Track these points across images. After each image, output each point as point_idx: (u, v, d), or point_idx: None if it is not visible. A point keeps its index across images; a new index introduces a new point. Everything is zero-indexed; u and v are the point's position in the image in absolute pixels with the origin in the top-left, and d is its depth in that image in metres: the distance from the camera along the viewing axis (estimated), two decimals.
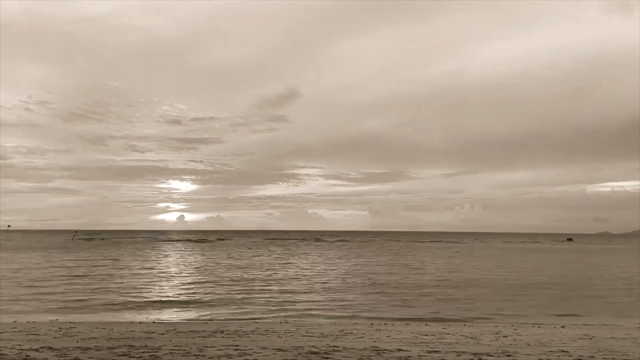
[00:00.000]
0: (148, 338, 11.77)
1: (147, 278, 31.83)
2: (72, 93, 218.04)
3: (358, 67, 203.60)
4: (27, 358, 9.17)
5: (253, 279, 31.14)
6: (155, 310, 19.66)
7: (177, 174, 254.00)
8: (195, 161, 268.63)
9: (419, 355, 9.86)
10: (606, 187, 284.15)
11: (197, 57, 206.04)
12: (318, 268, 40.43)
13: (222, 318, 17.84)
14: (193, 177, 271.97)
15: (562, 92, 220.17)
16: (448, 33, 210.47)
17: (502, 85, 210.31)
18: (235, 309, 20.16)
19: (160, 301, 22.10)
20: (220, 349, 10.19)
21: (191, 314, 18.93)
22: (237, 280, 30.35)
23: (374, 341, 11.64)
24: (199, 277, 32.35)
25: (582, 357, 9.95)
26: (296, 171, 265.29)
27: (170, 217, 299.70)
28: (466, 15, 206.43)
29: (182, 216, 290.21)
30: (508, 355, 9.99)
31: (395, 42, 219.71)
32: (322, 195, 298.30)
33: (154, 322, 16.25)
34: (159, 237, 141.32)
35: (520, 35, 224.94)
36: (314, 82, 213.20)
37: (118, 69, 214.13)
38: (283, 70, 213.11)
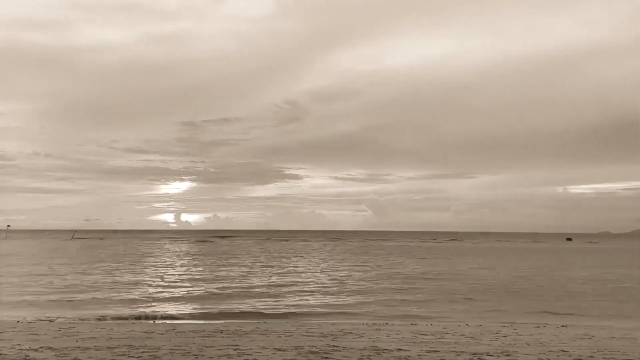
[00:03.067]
0: (148, 338, 11.76)
1: (147, 278, 31.83)
2: (75, 99, 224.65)
3: (343, 75, 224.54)
4: (27, 358, 9.16)
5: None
6: (155, 310, 19.66)
7: (178, 174, 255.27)
8: (196, 162, 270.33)
9: (419, 355, 9.86)
10: (594, 188, 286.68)
11: (188, 74, 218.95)
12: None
13: (222, 318, 17.85)
14: (194, 177, 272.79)
15: (526, 96, 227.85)
16: (414, 38, 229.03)
17: (468, 88, 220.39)
18: (230, 308, 20.20)
19: (160, 301, 22.11)
20: (220, 349, 10.18)
21: (191, 314, 18.93)
22: (231, 280, 30.39)
23: (373, 341, 11.64)
24: (199, 277, 32.36)
25: (581, 357, 9.96)
26: (295, 172, 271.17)
27: (170, 217, 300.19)
28: (432, 21, 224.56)
29: (182, 216, 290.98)
30: (508, 355, 10.00)
31: (370, 52, 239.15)
32: (320, 196, 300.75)
33: (154, 322, 16.26)
34: (158, 236, 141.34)
35: (483, 38, 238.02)
36: (306, 89, 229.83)
37: (117, 81, 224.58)
38: (279, 80, 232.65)
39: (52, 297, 22.72)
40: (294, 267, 41.23)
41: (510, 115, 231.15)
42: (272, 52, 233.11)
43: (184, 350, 10.07)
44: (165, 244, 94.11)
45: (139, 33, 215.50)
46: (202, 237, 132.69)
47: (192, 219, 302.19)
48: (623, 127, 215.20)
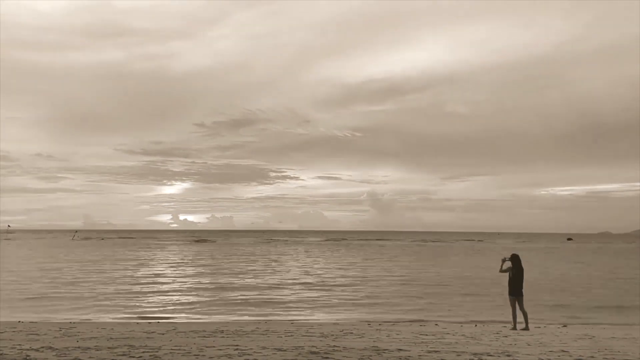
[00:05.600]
0: (148, 338, 11.75)
1: (147, 277, 31.85)
2: (78, 106, 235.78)
3: (335, 84, 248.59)
4: (27, 358, 9.15)
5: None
6: (156, 310, 19.67)
7: (179, 175, 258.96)
8: (197, 162, 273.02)
9: (419, 355, 9.85)
10: (573, 190, 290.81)
11: (186, 85, 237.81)
12: None
13: (223, 318, 17.87)
14: (194, 177, 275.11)
15: (505, 102, 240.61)
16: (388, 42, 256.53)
17: (450, 94, 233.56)
18: (235, 308, 20.21)
19: (161, 301, 22.13)
20: (220, 349, 10.17)
21: (191, 314, 18.94)
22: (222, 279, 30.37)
23: (374, 341, 11.63)
24: (200, 277, 32.37)
25: (582, 357, 9.94)
26: (294, 174, 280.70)
27: (170, 217, 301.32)
28: (414, 33, 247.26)
29: (182, 216, 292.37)
30: (508, 355, 9.98)
31: (359, 63, 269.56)
32: (319, 197, 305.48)
33: (155, 322, 16.25)
34: (159, 237, 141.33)
35: (462, 49, 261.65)
36: (303, 96, 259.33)
37: (119, 91, 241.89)
38: (277, 88, 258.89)
39: (53, 297, 22.73)
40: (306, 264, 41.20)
41: (492, 120, 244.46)
42: (270, 63, 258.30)
43: (185, 350, 10.06)
44: (166, 243, 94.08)
45: (140, 52, 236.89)
46: (202, 236, 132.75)
47: (193, 218, 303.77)
48: (598, 131, 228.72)
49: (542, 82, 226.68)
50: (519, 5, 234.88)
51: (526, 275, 15.48)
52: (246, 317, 18.00)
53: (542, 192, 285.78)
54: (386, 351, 10.23)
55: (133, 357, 9.37)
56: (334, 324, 15.96)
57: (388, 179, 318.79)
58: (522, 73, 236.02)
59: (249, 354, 9.67)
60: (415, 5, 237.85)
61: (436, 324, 16.11)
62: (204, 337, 12.00)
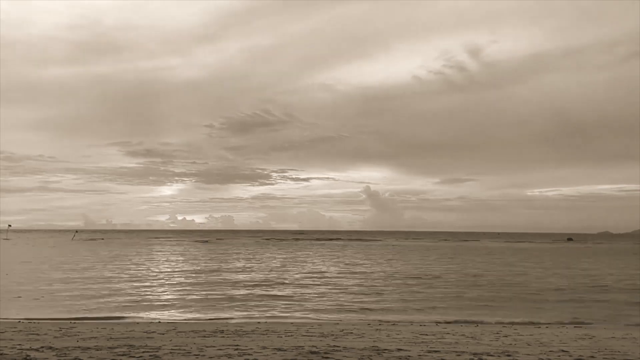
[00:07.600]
0: (148, 338, 11.76)
1: (147, 278, 31.85)
2: (78, 107, 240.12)
3: (327, 90, 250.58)
4: (27, 357, 9.15)
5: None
6: (155, 310, 19.67)
7: (179, 175, 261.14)
8: (197, 163, 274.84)
9: (419, 355, 9.85)
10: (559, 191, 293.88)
11: (182, 94, 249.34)
12: None
13: (223, 317, 17.87)
14: (194, 178, 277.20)
15: (485, 105, 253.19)
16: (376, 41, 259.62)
17: (432, 99, 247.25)
18: (233, 307, 20.22)
19: (161, 301, 22.12)
20: (220, 349, 10.17)
21: (191, 314, 18.94)
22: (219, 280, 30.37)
23: (374, 341, 11.64)
24: (200, 277, 32.36)
25: (582, 357, 9.95)
26: (294, 174, 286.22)
27: (170, 217, 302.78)
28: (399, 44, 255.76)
29: (182, 216, 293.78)
30: (508, 355, 9.99)
31: (352, 71, 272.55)
32: (318, 197, 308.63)
33: (156, 322, 16.25)
34: (158, 236, 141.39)
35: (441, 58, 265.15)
36: (298, 100, 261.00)
37: (121, 97, 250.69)
38: (274, 93, 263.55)
39: (52, 297, 22.74)
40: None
41: (481, 123, 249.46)
42: (269, 71, 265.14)
43: (185, 350, 10.06)
44: (166, 243, 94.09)
45: (140, 63, 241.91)
46: (202, 236, 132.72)
47: (192, 219, 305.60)
48: (577, 133, 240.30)
49: (520, 86, 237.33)
50: (490, 15, 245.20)
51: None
52: (246, 317, 18.01)
53: (536, 193, 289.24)
54: (386, 351, 10.23)
55: (133, 357, 9.37)
56: (334, 324, 15.97)
57: (385, 180, 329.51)
58: (505, 77, 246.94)
59: (249, 354, 9.67)
60: (405, 16, 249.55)
61: (436, 324, 16.14)
62: (204, 337, 12.01)
